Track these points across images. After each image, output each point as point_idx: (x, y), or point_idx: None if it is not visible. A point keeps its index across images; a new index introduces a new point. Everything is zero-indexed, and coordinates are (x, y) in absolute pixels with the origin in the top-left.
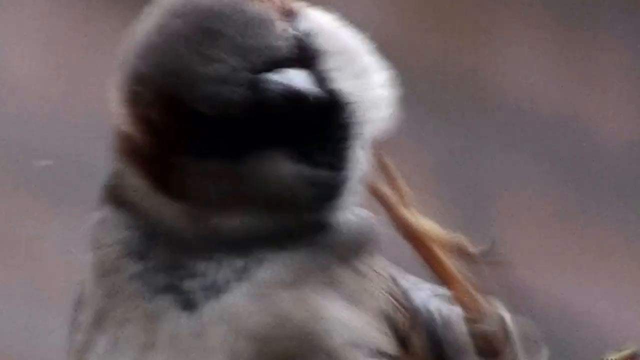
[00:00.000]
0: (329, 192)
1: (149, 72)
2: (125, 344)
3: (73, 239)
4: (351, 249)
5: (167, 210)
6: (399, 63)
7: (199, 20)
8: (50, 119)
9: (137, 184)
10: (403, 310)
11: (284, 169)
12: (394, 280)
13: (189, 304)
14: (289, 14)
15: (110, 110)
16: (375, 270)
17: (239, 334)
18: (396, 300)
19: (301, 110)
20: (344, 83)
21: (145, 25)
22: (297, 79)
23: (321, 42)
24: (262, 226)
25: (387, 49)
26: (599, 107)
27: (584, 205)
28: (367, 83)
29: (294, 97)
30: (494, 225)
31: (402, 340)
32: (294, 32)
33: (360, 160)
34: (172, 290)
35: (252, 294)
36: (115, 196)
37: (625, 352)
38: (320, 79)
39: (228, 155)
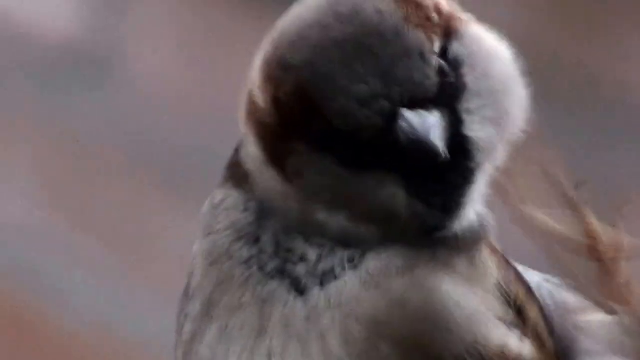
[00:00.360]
0: (437, 228)
1: (297, 65)
2: (237, 332)
3: (191, 229)
4: (463, 240)
5: (277, 188)
6: (530, 62)
7: (360, 35)
8: (176, 115)
9: (256, 153)
10: (518, 284)
11: (397, 197)
12: (507, 262)
13: (300, 289)
14: (449, 34)
15: (248, 80)
16: (487, 256)
17: (353, 318)
18: (510, 277)
19: (426, 160)
20: (480, 132)
21: (305, 13)
22: (431, 129)
23: (469, 78)
24: (366, 231)
25: (518, 48)
26: None
27: None
28: (505, 129)
29: (422, 149)
30: (628, 223)
31: (519, 311)
32: (444, 64)
33: (478, 192)
34: (283, 274)
35: (364, 281)
36: (234, 173)
37: None
38: (457, 122)
39: (346, 163)
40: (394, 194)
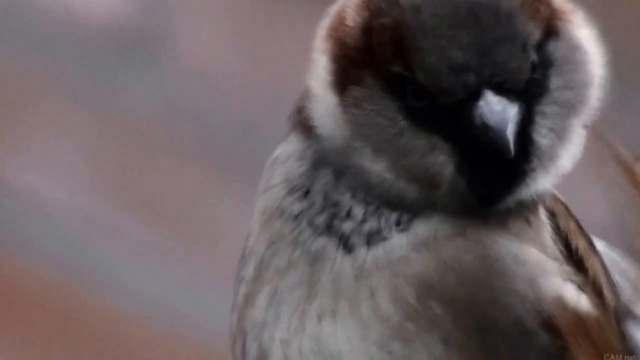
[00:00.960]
0: (475, 208)
1: (404, 4)
2: (287, 294)
3: (242, 210)
4: (516, 206)
5: (332, 118)
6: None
7: (476, 4)
8: (226, 96)
9: (323, 75)
10: (578, 236)
11: (444, 167)
12: (569, 212)
13: (348, 247)
14: (549, 31)
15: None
16: (544, 209)
17: (402, 279)
18: (570, 227)
19: (488, 145)
20: (544, 139)
21: None
22: (509, 121)
23: (554, 83)
24: (405, 188)
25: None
26: None
27: None
28: (569, 141)
29: (494, 138)
30: None
31: (579, 263)
32: (536, 60)
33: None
34: (331, 232)
35: (413, 244)
36: (294, 122)
37: None
38: (529, 123)
39: (408, 113)
40: (442, 162)
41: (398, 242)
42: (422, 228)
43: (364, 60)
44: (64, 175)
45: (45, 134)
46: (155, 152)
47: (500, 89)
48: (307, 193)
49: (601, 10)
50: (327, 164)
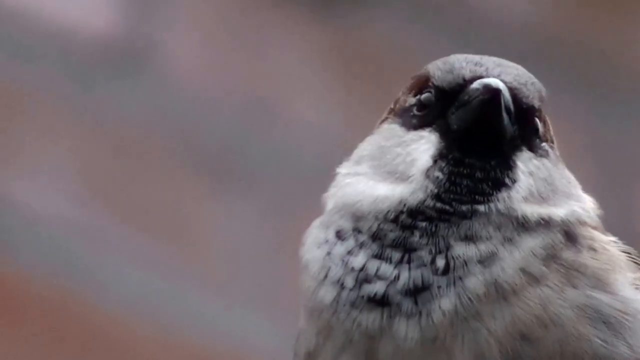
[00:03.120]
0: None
1: (431, 67)
2: None
3: (229, 218)
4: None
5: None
6: (552, 45)
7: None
8: (213, 106)
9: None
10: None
11: (423, 155)
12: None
13: (393, 314)
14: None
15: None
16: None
17: (487, 333)
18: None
19: (480, 108)
20: (526, 169)
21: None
22: (498, 84)
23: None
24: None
25: (540, 31)
26: None
27: None
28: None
29: (482, 96)
30: (632, 201)
31: None
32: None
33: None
34: (370, 302)
35: (482, 293)
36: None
37: None
38: (516, 149)
39: (405, 129)
40: (423, 149)
41: (452, 296)
42: (474, 273)
43: (392, 109)
44: (54, 184)
45: (36, 144)
46: (142, 162)
47: (514, 97)
48: (326, 274)
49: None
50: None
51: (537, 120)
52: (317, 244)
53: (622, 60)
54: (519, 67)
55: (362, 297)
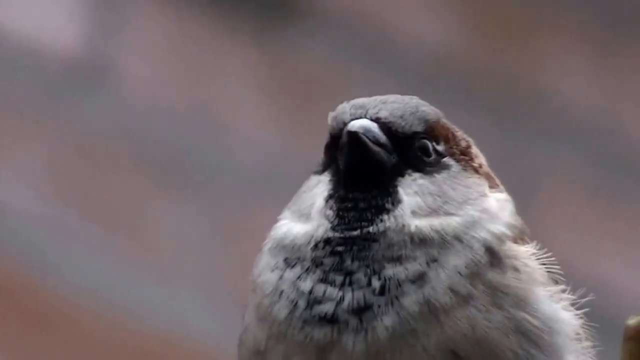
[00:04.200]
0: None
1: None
2: None
3: (175, 215)
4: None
5: None
6: (460, 71)
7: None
8: (162, 116)
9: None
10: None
11: (318, 198)
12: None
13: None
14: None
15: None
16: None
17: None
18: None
19: (348, 146)
20: (410, 191)
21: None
22: (370, 128)
23: (441, 175)
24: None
25: (450, 58)
26: (630, 105)
27: (614, 187)
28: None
29: (347, 134)
30: (541, 209)
31: None
32: (433, 146)
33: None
34: (319, 322)
35: (416, 311)
36: None
37: None
38: (399, 174)
39: (316, 173)
40: (319, 193)
41: (390, 316)
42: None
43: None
44: (25, 185)
45: (9, 150)
46: (101, 164)
47: (385, 128)
48: (280, 294)
49: None
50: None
51: (425, 142)
52: (269, 268)
53: (523, 84)
54: (406, 99)
55: (314, 316)
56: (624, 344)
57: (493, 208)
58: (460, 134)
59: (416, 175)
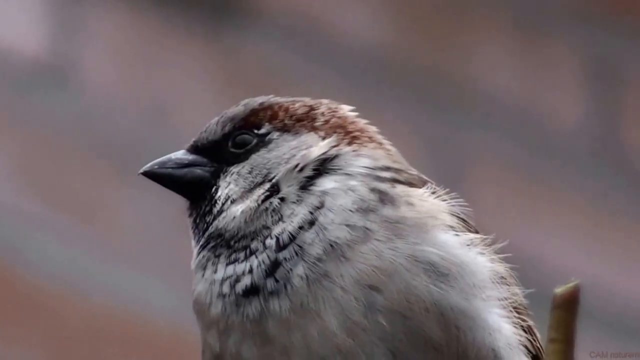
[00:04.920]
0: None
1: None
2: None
3: (135, 203)
4: None
5: None
6: (395, 64)
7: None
8: (120, 111)
9: None
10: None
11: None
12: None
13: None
14: (277, 128)
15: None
16: None
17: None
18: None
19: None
20: (226, 186)
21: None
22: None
23: (254, 157)
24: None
25: (385, 53)
26: (551, 95)
27: (537, 169)
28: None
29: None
30: (470, 190)
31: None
32: (237, 139)
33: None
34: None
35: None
36: None
37: (571, 285)
38: (219, 175)
39: None
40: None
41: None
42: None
43: None
44: None
45: None
46: (66, 156)
47: (193, 148)
48: (208, 297)
49: None
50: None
51: (242, 136)
52: (198, 281)
53: (453, 76)
54: (233, 107)
55: (239, 294)
56: (552, 311)
57: (313, 153)
58: (299, 103)
59: (233, 168)
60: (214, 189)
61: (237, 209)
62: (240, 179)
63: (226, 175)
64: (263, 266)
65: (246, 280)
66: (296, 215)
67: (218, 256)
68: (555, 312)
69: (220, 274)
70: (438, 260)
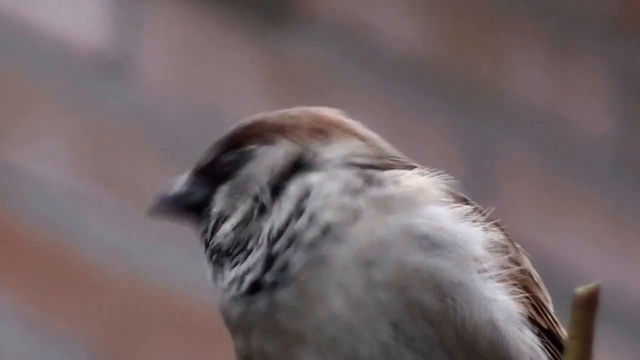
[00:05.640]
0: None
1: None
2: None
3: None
4: None
5: None
6: (433, 71)
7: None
8: (175, 104)
9: None
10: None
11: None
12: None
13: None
14: (263, 142)
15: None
16: None
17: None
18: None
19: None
20: (216, 205)
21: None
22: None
23: (242, 172)
24: None
25: (425, 59)
26: (579, 105)
27: (563, 171)
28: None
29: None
30: (493, 192)
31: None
32: (231, 159)
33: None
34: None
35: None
36: None
37: (591, 286)
38: (212, 193)
39: None
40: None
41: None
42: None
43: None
44: (54, 158)
45: (43, 130)
46: (120, 143)
47: (195, 171)
48: (226, 304)
49: None
50: None
51: (229, 157)
52: (218, 297)
53: (485, 82)
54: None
55: (247, 293)
56: (572, 310)
57: (281, 157)
58: (274, 119)
59: (223, 187)
60: (209, 209)
61: (227, 226)
62: (226, 196)
63: (217, 195)
64: (261, 261)
65: (249, 278)
66: (283, 209)
67: (222, 265)
68: (575, 311)
69: (227, 280)
70: (430, 231)
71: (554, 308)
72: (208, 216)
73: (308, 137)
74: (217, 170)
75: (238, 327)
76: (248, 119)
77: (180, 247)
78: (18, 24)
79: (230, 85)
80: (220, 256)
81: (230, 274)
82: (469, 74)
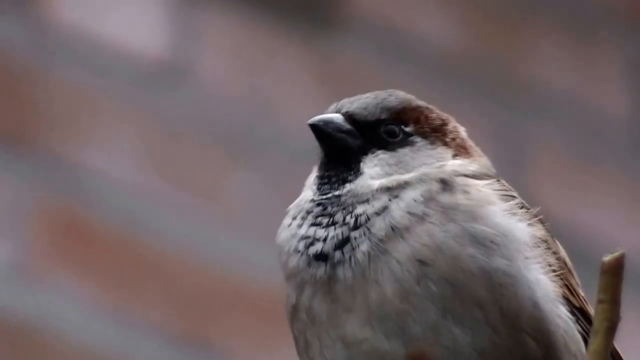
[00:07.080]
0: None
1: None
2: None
3: (244, 183)
4: None
5: None
6: (464, 63)
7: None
8: (233, 105)
9: None
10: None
11: (316, 173)
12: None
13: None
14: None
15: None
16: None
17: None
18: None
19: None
20: (369, 163)
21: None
22: (331, 117)
23: (401, 149)
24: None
25: (454, 53)
26: (599, 88)
27: (589, 152)
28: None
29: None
30: (527, 172)
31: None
32: (393, 129)
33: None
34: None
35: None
36: None
37: (617, 253)
38: (364, 153)
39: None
40: (315, 172)
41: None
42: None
43: None
44: (123, 158)
45: (112, 133)
46: (185, 144)
47: (350, 118)
48: (289, 249)
49: None
50: None
51: (392, 126)
52: (283, 227)
53: (515, 73)
54: (382, 94)
55: (310, 256)
56: (600, 276)
57: (447, 167)
58: (435, 115)
59: (379, 152)
60: (360, 163)
61: (374, 183)
62: (385, 165)
63: (373, 156)
64: (335, 239)
65: (318, 247)
66: (379, 202)
67: (310, 212)
68: (603, 276)
69: (302, 231)
70: (485, 235)
71: (583, 274)
72: (357, 167)
73: (455, 149)
74: (377, 132)
75: (293, 277)
76: (413, 99)
77: (240, 234)
78: (85, 36)
79: (283, 86)
80: (318, 204)
81: (309, 229)
82: (501, 67)
